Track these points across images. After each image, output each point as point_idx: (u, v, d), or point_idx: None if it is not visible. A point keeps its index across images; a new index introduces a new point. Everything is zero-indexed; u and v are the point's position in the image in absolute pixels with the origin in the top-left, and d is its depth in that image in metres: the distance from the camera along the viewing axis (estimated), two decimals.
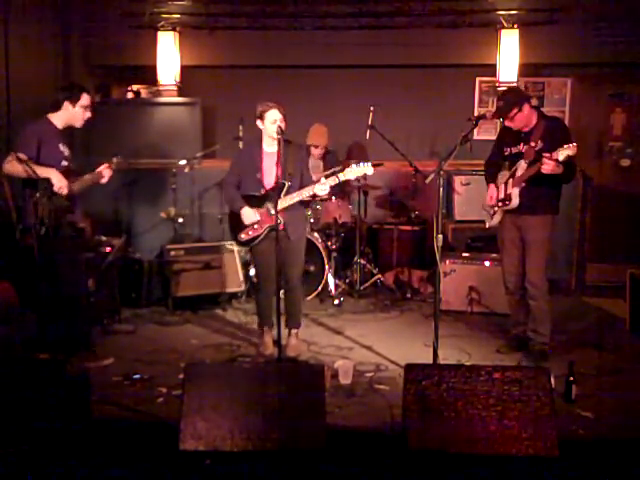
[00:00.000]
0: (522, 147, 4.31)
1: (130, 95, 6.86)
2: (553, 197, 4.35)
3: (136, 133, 6.46)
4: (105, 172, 4.45)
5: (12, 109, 5.62)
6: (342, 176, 4.37)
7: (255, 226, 4.46)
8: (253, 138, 4.52)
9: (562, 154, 3.95)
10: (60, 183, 4.19)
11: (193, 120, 6.65)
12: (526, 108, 4.26)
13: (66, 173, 4.30)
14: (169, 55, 6.59)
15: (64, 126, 4.39)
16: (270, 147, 4.45)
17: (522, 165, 4.25)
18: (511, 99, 4.27)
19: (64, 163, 4.34)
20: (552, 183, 4.20)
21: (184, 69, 6.69)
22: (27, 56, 5.88)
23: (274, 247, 4.11)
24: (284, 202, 4.36)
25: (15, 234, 4.94)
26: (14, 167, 4.15)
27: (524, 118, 4.27)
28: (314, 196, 4.56)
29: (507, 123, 4.33)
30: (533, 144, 4.21)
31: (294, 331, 4.69)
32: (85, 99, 4.37)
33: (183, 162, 5.90)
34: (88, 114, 4.42)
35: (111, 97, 7.05)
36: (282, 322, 4.29)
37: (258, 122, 4.42)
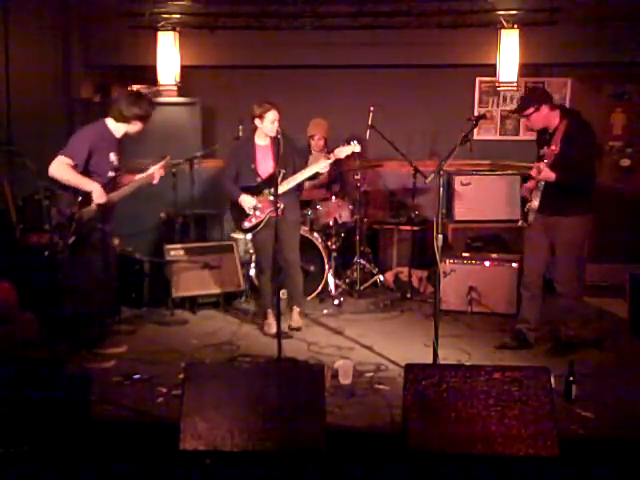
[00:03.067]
0: (545, 149, 4.31)
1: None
2: (579, 198, 4.33)
3: (136, 133, 6.45)
4: (157, 173, 4.53)
5: (12, 109, 5.61)
6: (332, 156, 4.74)
7: (257, 213, 4.82)
8: (245, 135, 4.85)
9: (536, 170, 4.07)
10: (100, 200, 4.21)
11: (193, 120, 6.64)
12: (544, 109, 4.27)
13: (109, 184, 4.32)
14: (169, 55, 6.58)
15: (121, 135, 4.40)
16: (263, 141, 4.83)
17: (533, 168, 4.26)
18: (530, 98, 4.33)
19: (111, 174, 4.35)
20: (567, 184, 4.21)
21: (184, 69, 6.68)
22: (27, 56, 5.88)
23: (275, 233, 4.27)
24: (283, 187, 4.69)
25: (15, 234, 4.95)
26: (61, 171, 4.13)
27: (541, 119, 4.29)
28: (314, 176, 4.92)
29: (524, 122, 4.38)
30: (553, 147, 4.20)
31: (296, 308, 5.06)
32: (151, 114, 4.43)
33: (183, 162, 5.88)
34: (146, 125, 4.48)
35: (111, 97, 7.03)
36: (281, 321, 4.31)
37: (257, 121, 4.74)
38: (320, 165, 4.76)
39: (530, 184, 4.46)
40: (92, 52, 6.82)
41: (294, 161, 4.85)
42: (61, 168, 4.12)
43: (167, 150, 6.38)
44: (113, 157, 4.36)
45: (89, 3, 6.76)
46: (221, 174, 5.02)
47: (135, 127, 4.40)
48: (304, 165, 4.94)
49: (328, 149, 6.24)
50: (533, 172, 4.18)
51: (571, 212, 4.31)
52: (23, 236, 5.16)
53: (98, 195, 4.21)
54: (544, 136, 4.38)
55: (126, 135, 4.43)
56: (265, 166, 4.81)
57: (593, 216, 4.42)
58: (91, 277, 4.33)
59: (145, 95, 4.60)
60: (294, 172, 4.78)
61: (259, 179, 4.82)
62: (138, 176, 4.58)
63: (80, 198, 4.15)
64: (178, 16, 6.62)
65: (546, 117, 4.29)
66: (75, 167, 4.16)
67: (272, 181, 4.63)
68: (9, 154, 5.42)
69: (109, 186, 4.34)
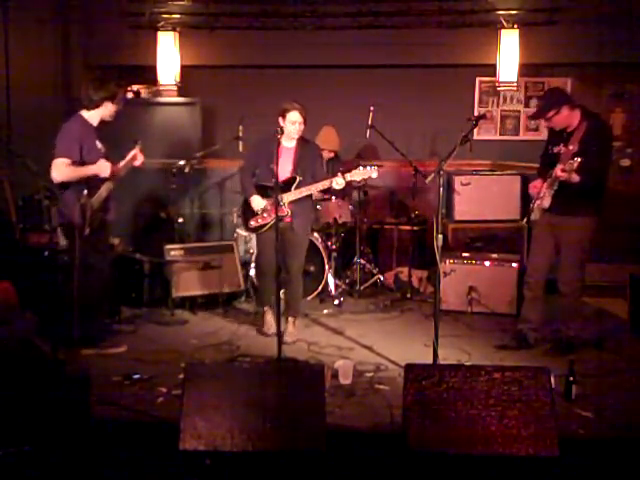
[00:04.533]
0: (562, 148, 4.30)
1: (130, 95, 6.85)
2: (590, 200, 4.31)
3: (136, 133, 6.45)
4: (138, 156, 4.56)
5: (12, 109, 5.62)
6: (348, 176, 4.61)
7: (264, 214, 4.72)
8: (272, 131, 4.53)
9: (567, 167, 4.02)
10: (107, 170, 4.28)
11: (193, 120, 6.65)
12: (565, 110, 4.25)
13: None
14: (169, 55, 6.59)
15: (98, 123, 4.43)
16: (288, 143, 4.70)
17: (558, 166, 4.22)
18: (549, 101, 4.30)
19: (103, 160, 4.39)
20: (584, 187, 4.20)
21: (184, 69, 6.69)
22: (27, 56, 5.89)
23: (279, 237, 4.25)
24: (293, 195, 4.63)
25: (15, 234, 4.95)
26: (65, 173, 4.17)
27: (562, 120, 4.27)
28: (327, 190, 4.80)
29: (545, 124, 4.37)
30: (571, 147, 4.18)
31: (291, 319, 4.93)
32: (121, 94, 4.46)
33: (183, 162, 5.91)
34: (120, 107, 4.48)
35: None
36: (281, 321, 4.31)
37: (280, 119, 4.64)
38: (333, 182, 4.61)
39: (538, 183, 4.44)
40: (92, 52, 6.82)
41: (314, 169, 4.73)
42: (63, 170, 4.16)
43: (167, 150, 6.43)
44: (99, 145, 4.41)
45: (89, 3, 6.76)
46: (241, 166, 4.97)
47: (107, 110, 4.41)
48: (324, 175, 4.82)
49: (334, 160, 6.20)
50: (559, 171, 4.11)
51: (581, 213, 4.30)
52: (23, 236, 5.17)
53: (104, 168, 4.27)
54: (561, 134, 4.35)
55: (102, 122, 4.44)
56: (284, 169, 4.65)
57: (599, 218, 4.41)
58: (93, 273, 4.35)
59: (110, 76, 4.61)
60: (313, 180, 4.67)
61: (275, 180, 4.67)
62: (122, 162, 4.57)
63: (85, 191, 4.18)
64: (178, 16, 6.62)
65: (567, 117, 4.27)
66: (74, 164, 4.20)
67: (286, 186, 4.61)
68: (9, 154, 5.43)
69: None
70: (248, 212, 4.82)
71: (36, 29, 6.07)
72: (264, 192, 4.75)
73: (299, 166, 4.63)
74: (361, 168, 4.63)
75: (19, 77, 5.68)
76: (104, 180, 4.34)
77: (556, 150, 4.35)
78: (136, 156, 4.56)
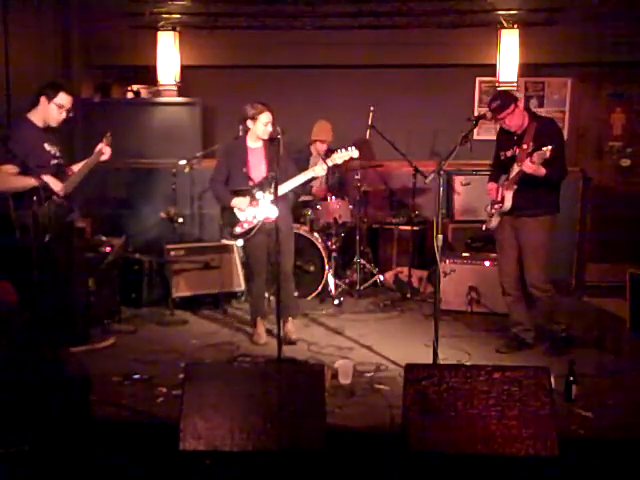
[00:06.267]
0: (516, 150, 4.34)
1: (130, 95, 6.85)
2: (549, 197, 4.38)
3: (136, 133, 6.46)
4: (105, 150, 4.44)
5: (12, 109, 5.61)
6: (330, 162, 4.60)
7: (249, 218, 4.64)
8: (234, 136, 4.52)
9: (537, 158, 4.04)
10: (55, 187, 4.19)
11: (193, 120, 6.64)
12: (520, 106, 4.32)
13: (56, 172, 4.28)
14: (169, 55, 6.59)
15: (44, 124, 4.32)
16: (255, 143, 4.65)
17: (515, 168, 4.28)
18: (504, 101, 4.32)
19: (53, 162, 4.32)
20: (545, 183, 4.23)
21: (184, 69, 6.68)
22: (27, 56, 5.87)
23: (267, 239, 4.20)
24: (282, 189, 4.49)
25: (15, 234, 4.94)
26: (6, 183, 4.06)
27: (517, 118, 4.32)
28: (311, 179, 4.77)
29: (501, 124, 4.38)
30: (525, 146, 4.24)
31: (290, 319, 4.89)
32: (61, 98, 4.28)
33: (183, 162, 5.90)
34: (64, 115, 4.33)
35: (111, 97, 7.04)
36: (277, 322, 4.31)
37: (249, 122, 4.59)
38: (316, 170, 4.61)
39: (494, 186, 4.49)
40: (92, 52, 6.82)
41: (287, 165, 4.64)
42: (6, 179, 4.05)
43: (167, 150, 6.43)
44: (49, 147, 4.29)
45: (89, 3, 6.76)
46: (211, 178, 4.80)
47: (47, 109, 4.26)
48: (297, 170, 4.75)
49: (327, 153, 6.21)
50: (525, 166, 4.14)
51: (540, 212, 4.34)
52: (23, 236, 5.16)
53: (51, 183, 4.17)
54: (511, 139, 4.39)
55: (47, 123, 4.31)
56: (258, 170, 4.63)
57: (557, 216, 4.44)
58: (67, 275, 4.37)
59: (58, 82, 4.47)
60: (286, 177, 4.58)
61: (251, 183, 4.64)
62: (86, 160, 4.49)
63: (35, 197, 4.02)
64: (178, 16, 6.62)
65: (521, 115, 4.33)
66: (19, 173, 4.10)
67: (265, 185, 4.57)
68: (8, 154, 5.42)
69: (58, 176, 4.30)
70: (230, 219, 4.70)
71: (36, 29, 6.06)
72: (241, 196, 4.66)
73: (272, 164, 4.49)
74: (341, 150, 4.60)
75: (19, 77, 5.68)
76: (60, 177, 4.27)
77: (509, 154, 4.40)
78: (102, 150, 4.42)
